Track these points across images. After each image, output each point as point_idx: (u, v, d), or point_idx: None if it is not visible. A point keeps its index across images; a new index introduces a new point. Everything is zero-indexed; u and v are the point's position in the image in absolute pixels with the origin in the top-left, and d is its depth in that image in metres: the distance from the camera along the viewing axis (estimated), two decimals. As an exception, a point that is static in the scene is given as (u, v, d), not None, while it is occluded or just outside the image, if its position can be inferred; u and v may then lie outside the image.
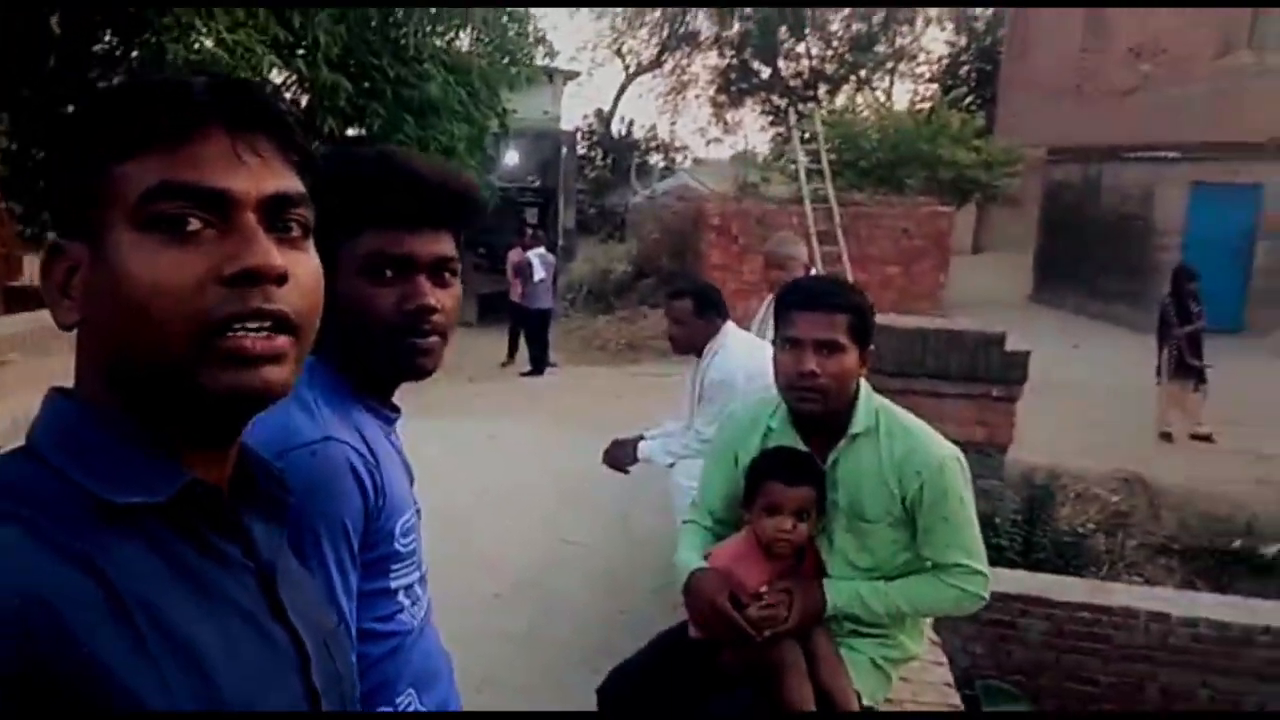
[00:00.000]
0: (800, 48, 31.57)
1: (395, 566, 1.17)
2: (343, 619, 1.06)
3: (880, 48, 30.50)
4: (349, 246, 1.14)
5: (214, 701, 0.64)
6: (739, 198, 14.97)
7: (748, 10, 29.44)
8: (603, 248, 16.54)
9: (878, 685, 2.04)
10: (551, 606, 4.05)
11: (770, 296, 4.36)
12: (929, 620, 2.19)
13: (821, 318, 1.97)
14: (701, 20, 31.36)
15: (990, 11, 28.36)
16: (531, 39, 10.95)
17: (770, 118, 31.32)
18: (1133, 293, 13.46)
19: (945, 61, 29.82)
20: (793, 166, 14.19)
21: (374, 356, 1.17)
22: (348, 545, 1.08)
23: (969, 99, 22.37)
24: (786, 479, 1.94)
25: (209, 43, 6.66)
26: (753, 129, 32.32)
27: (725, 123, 33.68)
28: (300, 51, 8.14)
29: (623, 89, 30.94)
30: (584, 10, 31.18)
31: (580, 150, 24.09)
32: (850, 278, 9.73)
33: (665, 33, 31.10)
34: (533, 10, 10.94)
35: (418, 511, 1.25)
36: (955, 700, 2.53)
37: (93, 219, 0.67)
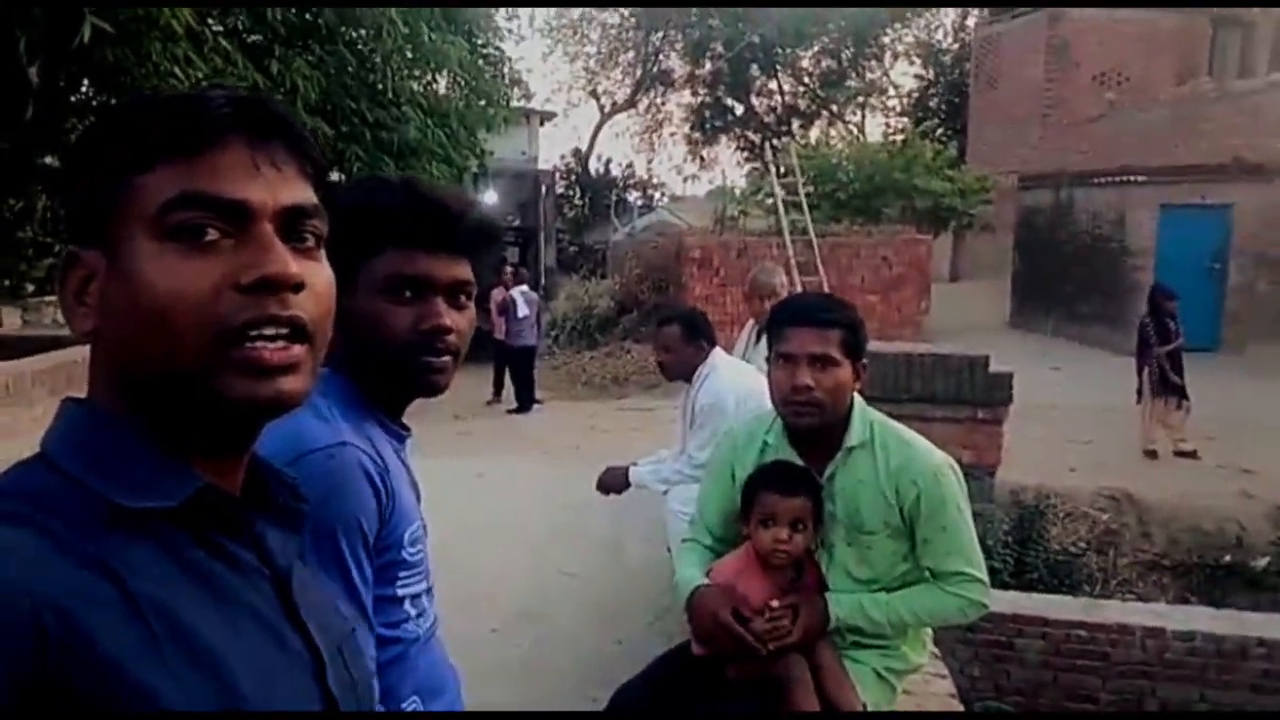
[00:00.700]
0: (773, 84, 32.09)
1: (403, 574, 1.18)
2: (364, 615, 1.07)
3: (851, 82, 31.04)
4: (370, 265, 1.19)
5: (230, 702, 0.64)
6: (718, 231, 15.11)
7: (719, 49, 29.91)
8: (584, 285, 16.61)
9: (882, 696, 2.04)
10: (548, 638, 4.02)
11: (750, 324, 4.40)
12: (929, 632, 2.19)
13: (814, 333, 1.99)
14: (674, 60, 31.84)
15: (957, 44, 28.99)
16: (508, 81, 11.08)
17: (745, 153, 31.74)
18: (1109, 314, 13.64)
19: (915, 95, 30.38)
20: (770, 200, 14.34)
21: (388, 372, 1.21)
22: (364, 544, 1.10)
23: (940, 130, 22.80)
24: (781, 489, 1.96)
25: (187, 89, 6.70)
26: (729, 164, 32.78)
27: (701, 159, 34.14)
28: (278, 97, 8.19)
29: (599, 128, 31.32)
30: (558, 52, 31.69)
31: (559, 189, 24.29)
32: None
33: (639, 73, 31.53)
34: (508, 52, 11.08)
35: (424, 527, 1.26)
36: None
37: (111, 228, 0.68)
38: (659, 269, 14.63)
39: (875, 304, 13.26)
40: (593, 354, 13.96)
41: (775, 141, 22.58)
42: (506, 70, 11.02)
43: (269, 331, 0.67)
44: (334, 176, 9.48)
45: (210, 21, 7.31)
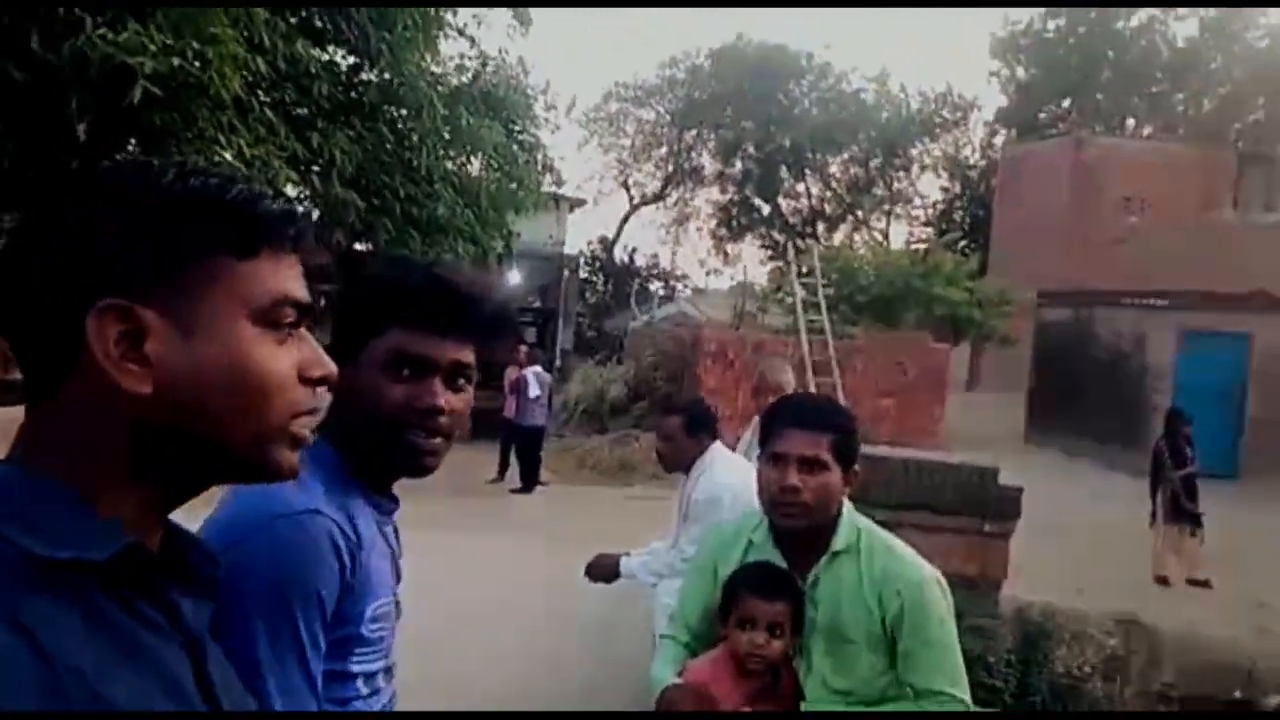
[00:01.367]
0: (800, 187, 32.74)
1: (359, 650, 1.16)
2: (311, 687, 1.05)
3: (878, 190, 31.64)
4: (376, 342, 1.22)
5: None
6: (736, 325, 15.22)
7: (751, 149, 30.64)
8: (600, 369, 16.68)
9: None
10: (527, 728, 3.91)
11: (755, 420, 4.39)
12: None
13: (806, 435, 1.99)
14: (706, 158, 32.62)
15: (984, 160, 29.56)
16: (540, 167, 11.33)
17: (769, 252, 32.17)
18: (1125, 434, 13.52)
19: (940, 206, 30.87)
20: (790, 299, 14.48)
21: (376, 447, 1.22)
22: (321, 616, 1.09)
23: (963, 242, 23.06)
24: (762, 593, 1.92)
25: (229, 155, 6.91)
26: (752, 262, 33.08)
27: (725, 255, 34.62)
28: (315, 168, 8.43)
29: (627, 218, 31.93)
30: (593, 142, 32.49)
31: (583, 274, 24.59)
32: (844, 408, 9.76)
33: (670, 168, 32.29)
34: (543, 139, 11.36)
35: (397, 604, 1.24)
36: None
37: (192, 299, 0.72)
38: (674, 358, 14.70)
39: (889, 408, 13.23)
40: (602, 439, 13.93)
41: (799, 242, 22.88)
42: (540, 156, 11.28)
43: (308, 417, 0.80)
44: (360, 247, 9.70)
45: (259, 92, 7.58)
